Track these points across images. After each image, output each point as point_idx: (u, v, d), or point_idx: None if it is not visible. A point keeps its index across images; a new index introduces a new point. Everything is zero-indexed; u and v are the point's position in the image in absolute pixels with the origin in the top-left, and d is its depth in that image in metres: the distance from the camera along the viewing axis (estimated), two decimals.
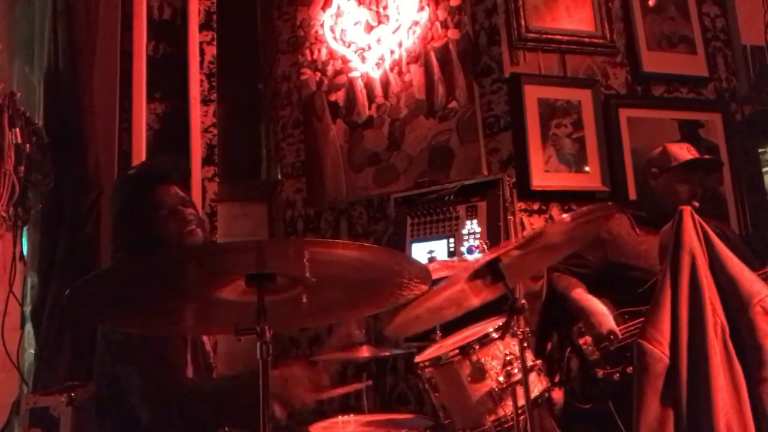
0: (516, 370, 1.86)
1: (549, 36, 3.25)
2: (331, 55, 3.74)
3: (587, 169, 3.18)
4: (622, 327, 2.36)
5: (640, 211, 2.67)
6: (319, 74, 3.78)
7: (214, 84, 3.47)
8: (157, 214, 1.98)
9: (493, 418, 1.88)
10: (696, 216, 2.01)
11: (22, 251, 2.90)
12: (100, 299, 1.32)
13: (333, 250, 1.31)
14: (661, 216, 2.40)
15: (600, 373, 2.34)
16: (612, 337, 2.33)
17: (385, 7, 3.60)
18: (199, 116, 3.37)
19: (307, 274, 1.30)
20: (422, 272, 1.38)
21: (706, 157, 2.66)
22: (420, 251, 3.03)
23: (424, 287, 1.44)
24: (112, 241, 2.16)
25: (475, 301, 1.93)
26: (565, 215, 2.01)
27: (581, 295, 2.45)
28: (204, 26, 3.48)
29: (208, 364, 2.09)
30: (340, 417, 2.22)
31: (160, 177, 2.05)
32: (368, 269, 1.32)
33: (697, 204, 2.48)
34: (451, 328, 2.25)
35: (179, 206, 2.00)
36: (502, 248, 1.82)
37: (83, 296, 1.29)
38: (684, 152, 2.60)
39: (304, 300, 1.39)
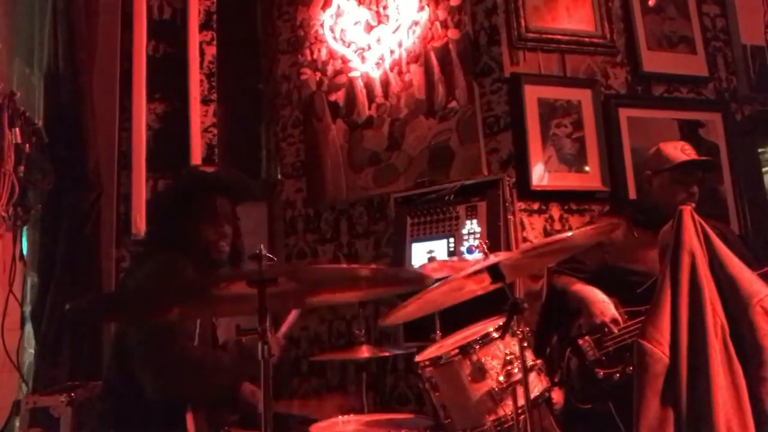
0: (516, 370, 1.86)
1: (549, 36, 3.25)
2: (331, 55, 3.74)
3: (587, 169, 3.18)
4: (621, 327, 2.36)
5: (638, 213, 2.66)
6: (319, 74, 3.78)
7: (214, 84, 3.47)
8: (201, 216, 2.10)
9: (493, 417, 1.88)
10: (696, 216, 2.01)
11: (22, 251, 2.90)
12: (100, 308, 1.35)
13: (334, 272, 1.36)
14: (658, 218, 2.38)
15: (600, 373, 2.34)
16: (614, 324, 2.33)
17: (385, 7, 3.60)
18: (199, 116, 3.38)
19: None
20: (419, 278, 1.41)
21: (702, 158, 2.62)
22: (420, 251, 3.03)
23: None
24: (152, 215, 2.27)
25: (475, 288, 1.93)
26: (569, 232, 2.03)
27: (581, 287, 2.46)
28: (204, 26, 3.49)
29: (215, 337, 2.15)
30: (340, 417, 2.22)
31: (221, 187, 2.18)
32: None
33: (693, 204, 2.46)
34: (451, 327, 2.25)
35: (223, 221, 2.13)
36: (502, 254, 1.83)
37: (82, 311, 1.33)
38: (678, 152, 2.57)
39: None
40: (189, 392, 1.93)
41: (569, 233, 1.91)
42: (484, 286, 1.91)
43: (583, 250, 2.39)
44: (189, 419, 1.90)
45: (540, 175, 3.08)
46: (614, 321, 2.34)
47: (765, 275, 2.11)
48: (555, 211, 3.12)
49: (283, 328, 2.28)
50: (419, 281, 1.56)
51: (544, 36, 3.24)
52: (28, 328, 2.96)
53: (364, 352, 2.43)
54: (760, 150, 3.61)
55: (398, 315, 1.93)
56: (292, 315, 2.31)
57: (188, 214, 2.10)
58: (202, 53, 3.44)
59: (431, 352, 2.11)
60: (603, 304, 2.37)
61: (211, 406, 2.02)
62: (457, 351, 1.93)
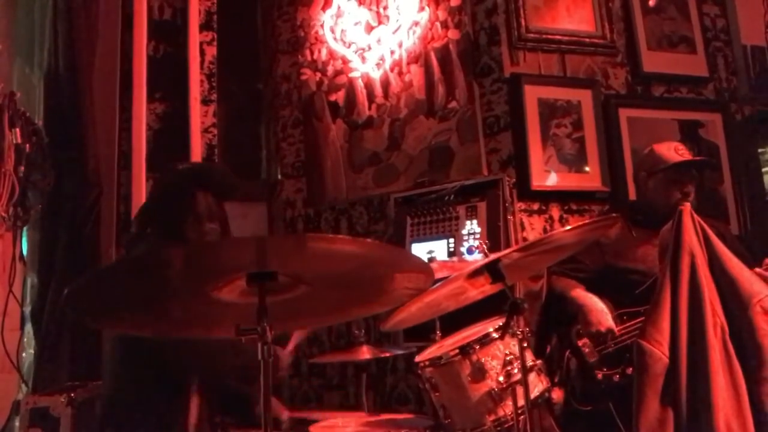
0: (516, 370, 1.86)
1: (549, 36, 3.25)
2: (331, 55, 3.74)
3: (587, 169, 3.18)
4: (621, 327, 2.36)
5: (636, 214, 2.66)
6: (319, 74, 3.78)
7: (214, 84, 3.47)
8: (182, 217, 2.04)
9: (493, 417, 1.88)
10: (696, 216, 2.01)
11: (22, 251, 2.90)
12: (98, 300, 1.31)
13: (333, 245, 1.31)
14: (656, 218, 2.39)
15: (599, 374, 2.33)
16: (610, 335, 2.33)
17: (385, 8, 3.60)
18: (199, 116, 3.38)
19: (308, 273, 1.29)
20: (423, 268, 1.38)
21: (695, 158, 2.63)
22: (420, 251, 3.03)
23: (426, 284, 1.44)
24: (136, 218, 2.22)
25: (475, 294, 1.93)
26: (568, 227, 2.03)
27: (580, 293, 2.46)
28: (204, 26, 3.49)
29: None
30: (340, 417, 2.22)
31: (201, 183, 2.10)
32: (369, 266, 1.31)
33: (689, 204, 2.47)
34: (451, 328, 2.25)
35: (204, 218, 2.06)
36: (501, 252, 1.82)
37: (81, 297, 1.28)
38: (672, 153, 2.58)
39: (305, 300, 1.39)
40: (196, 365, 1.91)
41: (567, 227, 1.91)
42: (484, 289, 1.91)
43: (582, 250, 2.39)
44: (193, 406, 1.89)
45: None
46: (610, 331, 2.33)
47: (760, 274, 2.12)
48: (555, 212, 3.12)
49: (290, 345, 2.24)
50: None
51: (544, 36, 3.24)
52: (28, 328, 2.97)
53: (365, 353, 2.42)
54: (760, 150, 3.61)
55: (399, 320, 1.92)
56: (300, 332, 2.27)
57: (168, 214, 2.05)
58: (202, 53, 3.44)
59: (431, 352, 2.11)
60: (601, 313, 2.36)
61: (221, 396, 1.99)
62: (457, 351, 1.93)
